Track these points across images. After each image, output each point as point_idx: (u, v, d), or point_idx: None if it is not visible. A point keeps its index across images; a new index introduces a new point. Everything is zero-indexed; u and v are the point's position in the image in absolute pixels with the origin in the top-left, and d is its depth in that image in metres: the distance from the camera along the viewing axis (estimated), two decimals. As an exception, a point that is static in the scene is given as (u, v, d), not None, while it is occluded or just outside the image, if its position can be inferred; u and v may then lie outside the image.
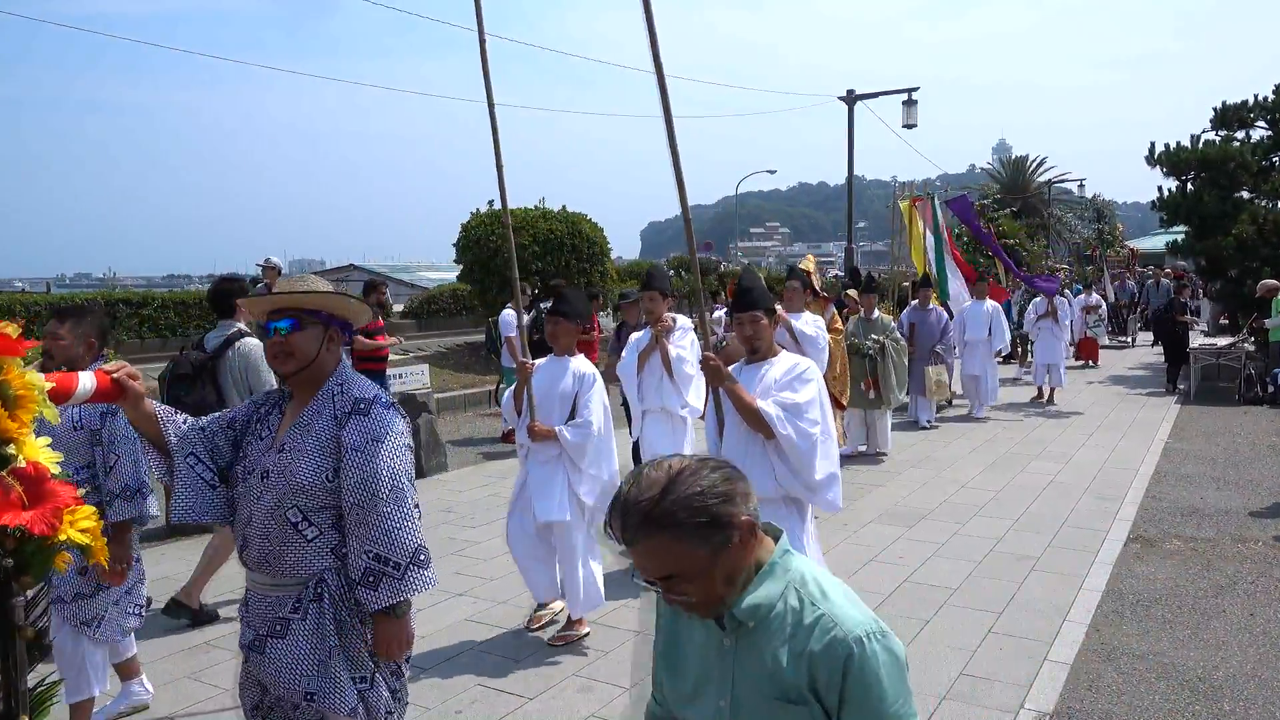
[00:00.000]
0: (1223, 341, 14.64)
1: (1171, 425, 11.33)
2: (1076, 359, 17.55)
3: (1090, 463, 9.21)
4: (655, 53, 3.42)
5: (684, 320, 5.99)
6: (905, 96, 24.43)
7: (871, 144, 31.41)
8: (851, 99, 24.91)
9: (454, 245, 16.81)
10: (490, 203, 16.80)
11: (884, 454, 9.65)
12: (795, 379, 3.64)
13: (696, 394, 5.77)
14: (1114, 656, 4.68)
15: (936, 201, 13.15)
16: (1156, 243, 33.78)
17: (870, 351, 9.58)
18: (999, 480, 8.52)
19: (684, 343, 5.81)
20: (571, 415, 4.78)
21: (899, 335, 10.01)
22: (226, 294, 5.53)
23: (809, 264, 8.99)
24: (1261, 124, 17.30)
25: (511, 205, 16.63)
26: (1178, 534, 6.82)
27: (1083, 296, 18.62)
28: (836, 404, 7.94)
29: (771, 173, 62.13)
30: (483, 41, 4.45)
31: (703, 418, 7.17)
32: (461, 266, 17.21)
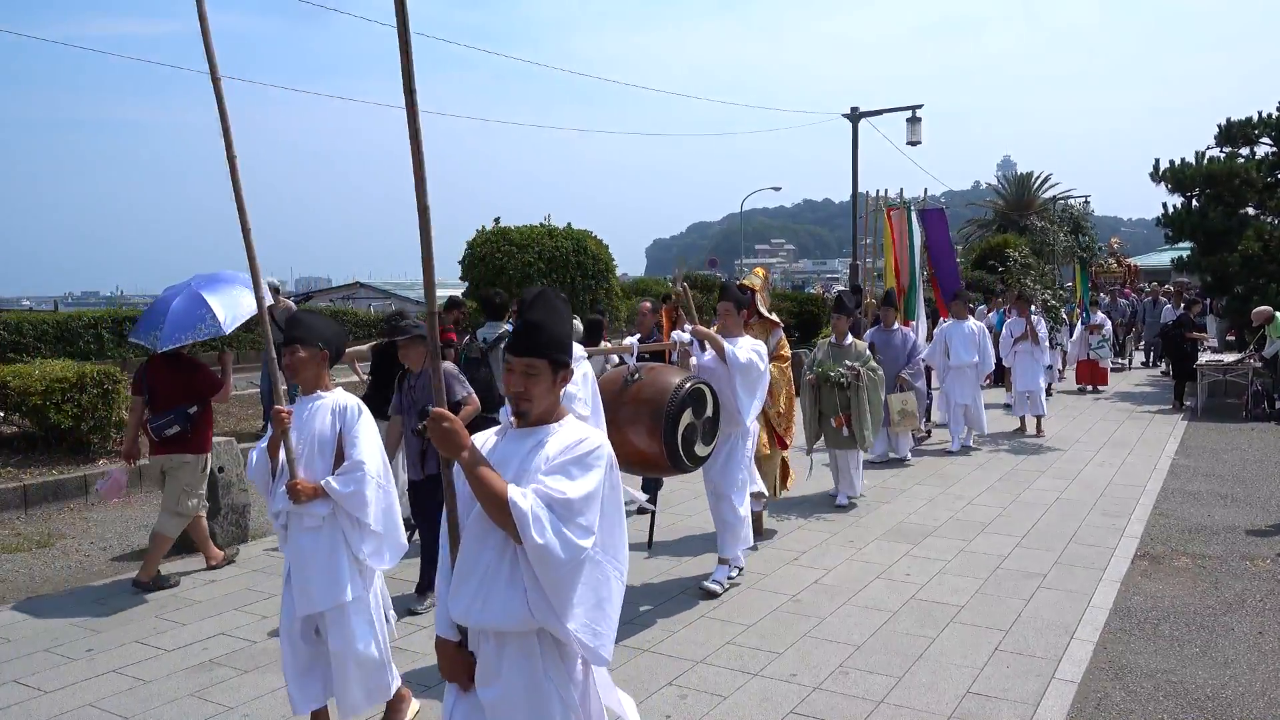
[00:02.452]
0: (1229, 358, 14.61)
1: (1178, 442, 11.29)
2: (1077, 383, 16.77)
3: (1097, 480, 9.18)
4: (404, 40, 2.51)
5: (579, 349, 4.98)
6: (909, 114, 24.54)
7: (876, 161, 31.55)
8: (856, 116, 25.01)
9: (458, 263, 16.86)
10: (496, 220, 16.87)
11: (854, 501, 8.33)
12: (575, 461, 2.53)
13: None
14: (1122, 675, 4.66)
15: (912, 211, 12.23)
16: (1162, 259, 33.78)
17: (843, 380, 8.17)
18: (1005, 497, 8.49)
19: (575, 376, 4.61)
20: (339, 462, 3.89)
21: (876, 364, 8.49)
22: (493, 301, 7.70)
23: (757, 278, 7.58)
24: (1266, 140, 17.35)
25: (517, 222, 16.45)
26: (1185, 551, 6.78)
27: (1084, 315, 17.61)
28: (780, 444, 7.16)
29: (777, 189, 62.29)
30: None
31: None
32: (466, 284, 17.26)
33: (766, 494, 7.07)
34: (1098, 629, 5.24)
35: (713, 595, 5.84)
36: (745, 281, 7.28)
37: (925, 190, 13.33)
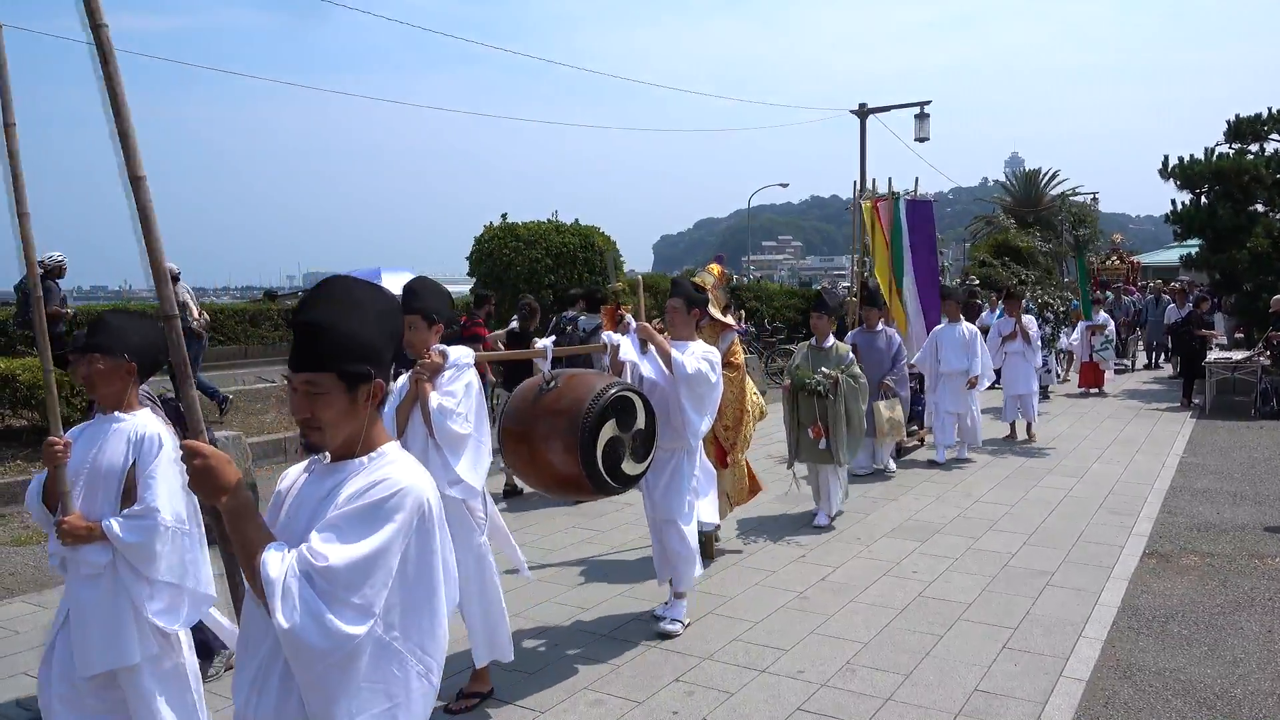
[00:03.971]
0: (1238, 355, 14.55)
1: (1187, 440, 11.25)
2: (1079, 387, 16.02)
3: (1105, 477, 9.15)
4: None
5: (462, 352, 4.20)
6: (917, 110, 24.49)
7: (884, 157, 31.51)
8: (864, 113, 25.00)
9: (466, 258, 16.89)
10: (504, 216, 16.88)
11: (827, 525, 7.42)
12: (359, 514, 1.92)
13: (471, 464, 4.08)
14: (1130, 673, 4.64)
15: (901, 202, 11.14)
16: (1170, 256, 33.66)
17: (821, 389, 7.33)
18: (1013, 495, 8.47)
19: (455, 387, 4.08)
20: (127, 501, 3.23)
21: (859, 370, 7.61)
22: (596, 295, 9.29)
23: (711, 275, 6.59)
24: (1276, 136, 17.27)
25: (525, 218, 16.48)
26: (1194, 549, 6.76)
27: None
28: (721, 461, 6.36)
29: (784, 186, 61.96)
30: None
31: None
32: (474, 279, 17.27)
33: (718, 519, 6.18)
34: (1106, 627, 5.22)
35: (670, 636, 5.12)
36: (698, 279, 6.38)
37: (917, 180, 12.15)
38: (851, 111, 25.15)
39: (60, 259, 10.22)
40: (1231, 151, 17.28)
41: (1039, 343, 11.79)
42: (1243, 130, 17.36)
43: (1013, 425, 11.57)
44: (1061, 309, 15.13)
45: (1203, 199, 17.42)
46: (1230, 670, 4.66)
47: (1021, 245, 23.70)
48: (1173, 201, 17.90)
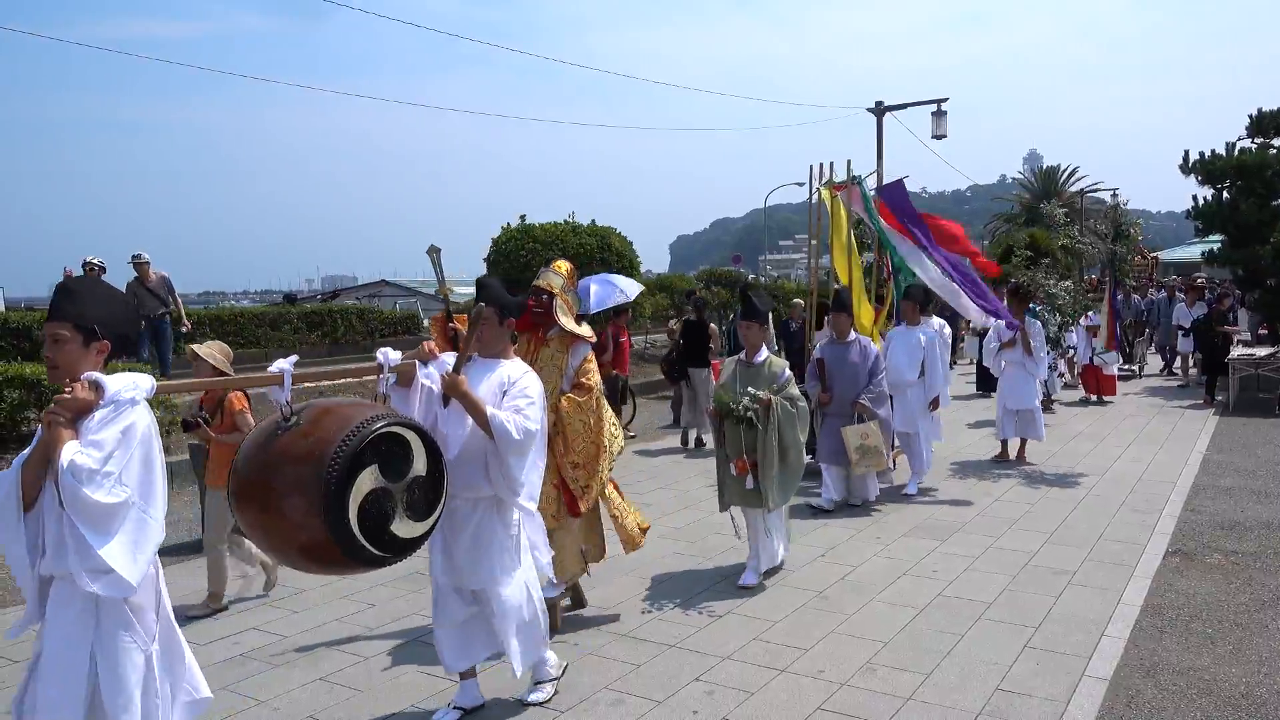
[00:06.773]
0: (1262, 352, 14.40)
1: (1210, 437, 11.15)
2: (1085, 392, 14.84)
3: (1126, 475, 9.08)
4: None
5: (127, 382, 2.97)
6: (935, 108, 24.38)
7: (901, 155, 31.38)
8: (880, 111, 24.92)
9: (484, 260, 16.96)
10: (522, 217, 16.94)
11: (755, 585, 5.95)
12: None
13: (129, 546, 2.86)
14: (1154, 672, 4.61)
15: (865, 188, 9.68)
16: (1192, 252, 33.36)
17: (748, 413, 5.91)
18: (1033, 494, 8.43)
19: (106, 435, 2.86)
20: None
21: (797, 391, 6.15)
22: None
23: (558, 275, 5.06)
24: (1299, 131, 17.06)
25: (542, 220, 16.60)
26: (1218, 548, 6.70)
27: (1090, 314, 15.06)
28: (572, 508, 5.08)
29: (800, 185, 61.66)
30: None
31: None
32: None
33: (556, 581, 4.98)
34: (1129, 626, 5.19)
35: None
36: (541, 281, 4.99)
37: (883, 160, 10.85)
38: (868, 109, 25.09)
39: (100, 262, 12.30)
40: (1254, 146, 17.11)
41: (1043, 352, 10.29)
42: (1265, 125, 17.18)
43: (1004, 444, 10.02)
44: (1070, 308, 14.33)
45: (1225, 194, 17.26)
46: (1255, 669, 4.62)
47: (1036, 236, 23.37)
48: (1194, 197, 17.75)
